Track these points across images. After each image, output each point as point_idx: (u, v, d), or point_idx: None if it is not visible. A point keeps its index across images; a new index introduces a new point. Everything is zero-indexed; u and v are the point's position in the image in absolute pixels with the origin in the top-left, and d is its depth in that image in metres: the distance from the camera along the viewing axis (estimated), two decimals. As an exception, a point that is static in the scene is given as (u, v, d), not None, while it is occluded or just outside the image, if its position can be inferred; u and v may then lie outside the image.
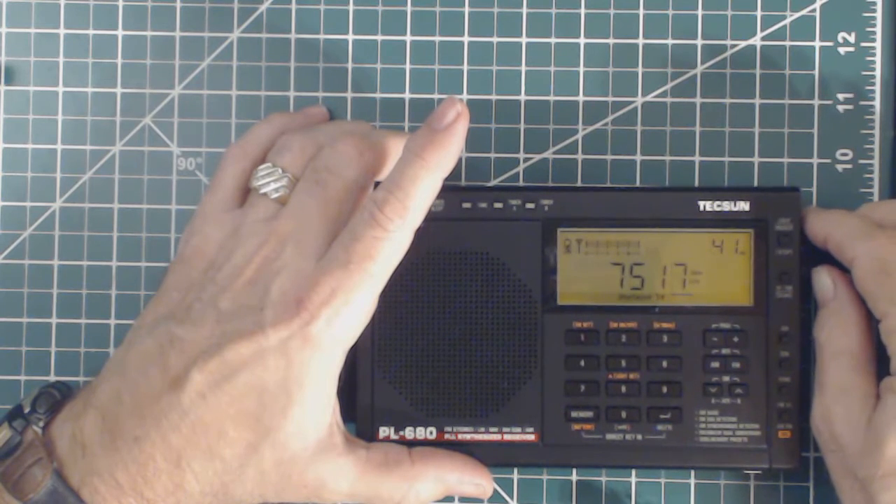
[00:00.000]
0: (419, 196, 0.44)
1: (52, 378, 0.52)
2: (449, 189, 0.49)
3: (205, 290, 0.44)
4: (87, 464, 0.42)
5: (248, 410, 0.42)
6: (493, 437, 0.49)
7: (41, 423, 0.44)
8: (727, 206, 0.49)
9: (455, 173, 0.52)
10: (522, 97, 0.52)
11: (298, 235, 0.44)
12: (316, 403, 0.43)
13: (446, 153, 0.44)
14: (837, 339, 0.46)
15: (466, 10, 0.52)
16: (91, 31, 0.53)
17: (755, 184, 0.52)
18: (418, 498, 0.46)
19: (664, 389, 0.48)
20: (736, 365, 0.48)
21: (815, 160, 0.52)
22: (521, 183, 0.52)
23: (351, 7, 0.53)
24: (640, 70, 0.52)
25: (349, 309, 0.43)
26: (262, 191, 0.46)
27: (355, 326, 0.44)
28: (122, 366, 0.44)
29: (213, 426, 0.42)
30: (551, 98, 0.52)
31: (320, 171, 0.45)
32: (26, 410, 0.44)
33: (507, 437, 0.49)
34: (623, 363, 0.48)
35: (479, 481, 0.47)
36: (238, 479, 0.43)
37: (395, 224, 0.43)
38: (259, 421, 0.42)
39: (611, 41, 0.52)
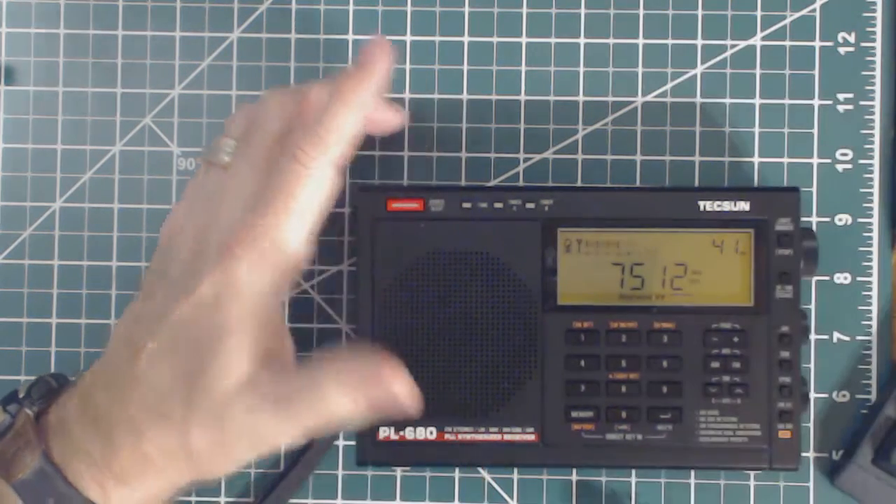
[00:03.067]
0: (336, 129, 0.44)
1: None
2: (449, 189, 0.49)
3: (162, 266, 0.45)
4: (68, 443, 0.43)
5: (186, 367, 0.42)
6: (493, 437, 0.49)
7: (34, 408, 0.45)
8: (727, 206, 0.49)
9: (455, 173, 0.52)
10: (522, 97, 0.52)
11: (233, 193, 0.44)
12: (241, 350, 0.42)
13: (363, 88, 0.44)
14: None
15: (466, 10, 0.52)
16: (91, 31, 0.53)
17: (755, 184, 0.52)
18: (333, 418, 0.43)
19: (664, 389, 0.48)
20: (736, 365, 0.48)
21: (815, 160, 0.52)
22: (521, 183, 0.52)
23: (351, 7, 0.53)
24: (640, 70, 0.52)
25: (274, 249, 0.43)
26: (212, 161, 0.46)
27: (283, 269, 0.43)
28: (104, 352, 0.45)
29: (160, 389, 0.42)
30: (551, 98, 0.52)
31: (248, 130, 0.46)
32: (21, 396, 0.45)
33: (507, 437, 0.49)
34: (623, 363, 0.48)
35: (390, 390, 0.43)
36: (189, 440, 0.42)
37: (314, 158, 0.43)
38: (192, 375, 0.42)
39: (611, 41, 0.52)
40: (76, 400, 0.44)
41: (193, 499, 0.52)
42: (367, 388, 0.43)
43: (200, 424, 0.42)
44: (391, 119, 0.48)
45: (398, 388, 0.43)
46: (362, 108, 0.44)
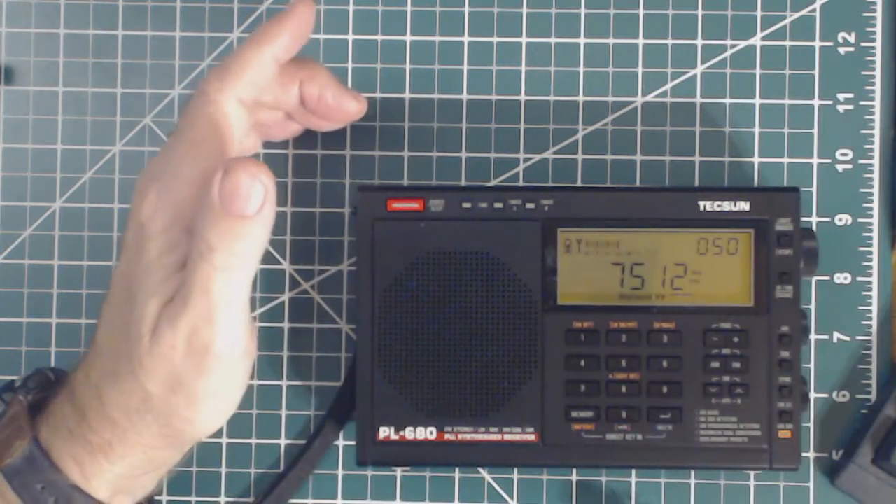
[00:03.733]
0: (238, 63, 0.44)
1: (52, 378, 0.52)
2: (449, 189, 0.49)
3: None
4: (52, 425, 0.44)
5: (123, 320, 0.42)
6: (493, 437, 0.49)
7: (29, 397, 0.45)
8: (727, 206, 0.49)
9: (455, 173, 0.52)
10: (522, 97, 0.52)
11: (166, 143, 0.45)
12: (149, 289, 0.42)
13: (273, 30, 0.45)
14: None
15: (466, 10, 0.52)
16: (91, 31, 0.53)
17: (755, 184, 0.52)
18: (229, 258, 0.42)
19: (664, 389, 0.48)
20: (736, 365, 0.48)
21: (815, 160, 0.52)
22: (521, 183, 0.52)
23: (351, 7, 0.53)
24: (640, 70, 0.52)
25: (177, 181, 0.42)
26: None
27: (182, 202, 0.42)
28: None
29: (110, 349, 0.43)
30: (551, 98, 0.52)
31: None
32: (17, 385, 0.46)
33: (507, 437, 0.48)
34: (623, 363, 0.48)
35: None
36: (144, 387, 0.42)
37: (214, 86, 0.44)
38: (127, 325, 0.42)
39: (611, 41, 0.52)
40: (65, 390, 0.45)
41: (193, 499, 0.52)
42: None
43: (147, 368, 0.42)
44: (350, 108, 0.48)
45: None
46: (271, 50, 0.45)
